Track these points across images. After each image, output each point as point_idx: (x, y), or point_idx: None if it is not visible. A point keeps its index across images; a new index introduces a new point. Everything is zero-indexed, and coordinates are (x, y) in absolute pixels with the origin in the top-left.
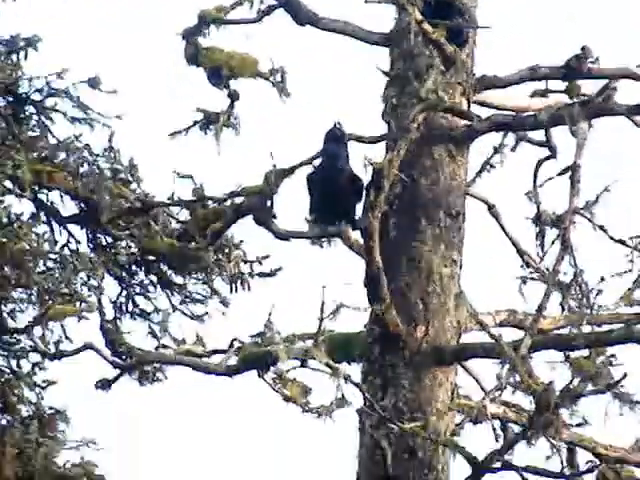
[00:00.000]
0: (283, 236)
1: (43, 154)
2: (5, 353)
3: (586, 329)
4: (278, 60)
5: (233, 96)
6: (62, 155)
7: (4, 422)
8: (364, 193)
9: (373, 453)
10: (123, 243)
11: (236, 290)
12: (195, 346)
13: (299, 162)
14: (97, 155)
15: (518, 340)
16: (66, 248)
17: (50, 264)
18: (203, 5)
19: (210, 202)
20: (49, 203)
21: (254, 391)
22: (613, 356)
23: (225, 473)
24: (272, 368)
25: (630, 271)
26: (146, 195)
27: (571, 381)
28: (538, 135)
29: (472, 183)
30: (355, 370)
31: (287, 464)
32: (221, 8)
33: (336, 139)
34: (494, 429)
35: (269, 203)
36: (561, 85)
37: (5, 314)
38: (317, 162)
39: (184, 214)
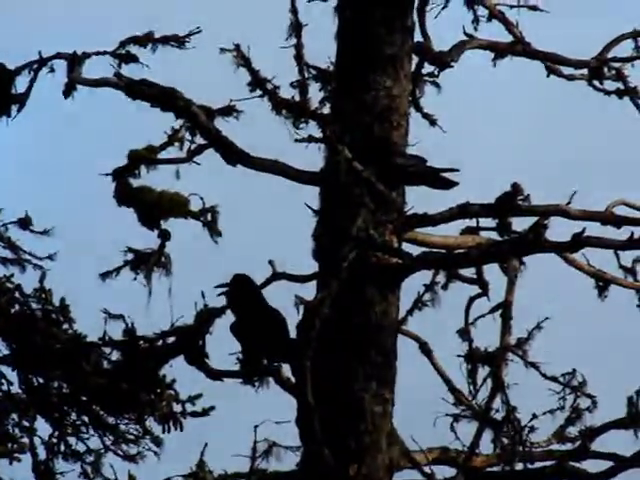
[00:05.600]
0: (215, 375)
1: None
2: None
3: (519, 466)
4: (209, 199)
5: (164, 236)
6: None
7: None
8: (296, 331)
9: None
10: (55, 384)
11: (168, 430)
12: None
13: None
14: (28, 296)
15: (451, 478)
16: None
17: None
18: (133, 145)
19: (142, 342)
20: None
21: None
22: None
23: None
24: None
25: (562, 408)
26: (78, 335)
27: None
28: (469, 272)
29: (404, 321)
30: None
31: None
32: (151, 148)
33: (236, 293)
34: None
35: (201, 342)
36: (492, 222)
37: None
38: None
39: (116, 354)
